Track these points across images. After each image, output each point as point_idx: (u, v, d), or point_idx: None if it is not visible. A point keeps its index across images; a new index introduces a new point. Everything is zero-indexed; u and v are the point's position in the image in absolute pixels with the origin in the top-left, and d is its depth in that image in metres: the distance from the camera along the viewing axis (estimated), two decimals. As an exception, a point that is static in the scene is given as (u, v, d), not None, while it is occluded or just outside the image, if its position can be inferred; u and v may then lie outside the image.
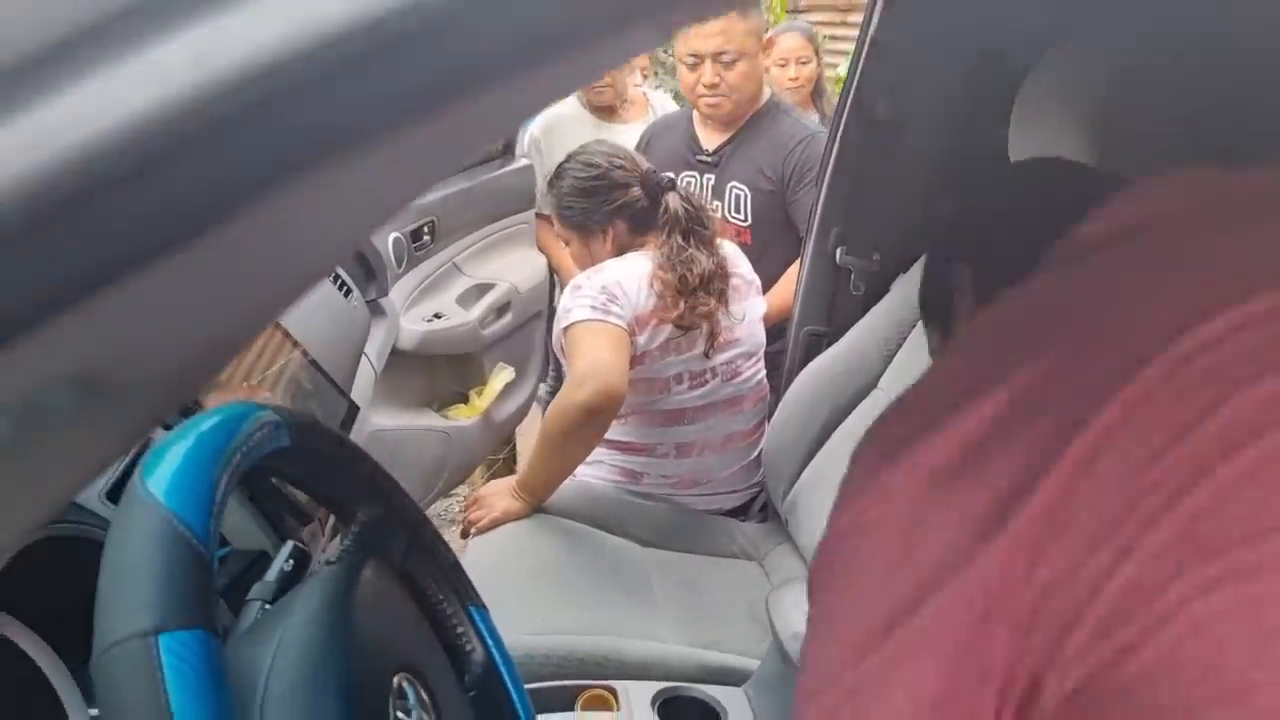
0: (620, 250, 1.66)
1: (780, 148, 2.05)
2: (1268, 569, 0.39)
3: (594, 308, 1.52)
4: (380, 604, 0.61)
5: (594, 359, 1.45)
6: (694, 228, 1.62)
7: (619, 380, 1.45)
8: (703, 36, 2.01)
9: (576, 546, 1.54)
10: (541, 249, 2.59)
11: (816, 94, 2.92)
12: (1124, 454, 0.43)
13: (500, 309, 2.28)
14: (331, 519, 1.00)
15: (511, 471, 3.20)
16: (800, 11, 4.84)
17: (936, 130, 1.55)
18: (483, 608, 0.74)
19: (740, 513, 1.75)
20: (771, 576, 1.59)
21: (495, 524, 1.54)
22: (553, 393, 3.01)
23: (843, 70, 3.82)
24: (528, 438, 3.26)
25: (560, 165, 1.70)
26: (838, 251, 1.66)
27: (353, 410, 1.25)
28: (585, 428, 1.45)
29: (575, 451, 1.50)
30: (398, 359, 1.93)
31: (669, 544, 1.62)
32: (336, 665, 0.52)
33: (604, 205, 1.65)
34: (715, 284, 1.60)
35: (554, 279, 2.66)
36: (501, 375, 2.28)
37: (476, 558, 1.49)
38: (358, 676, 0.52)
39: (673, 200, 1.63)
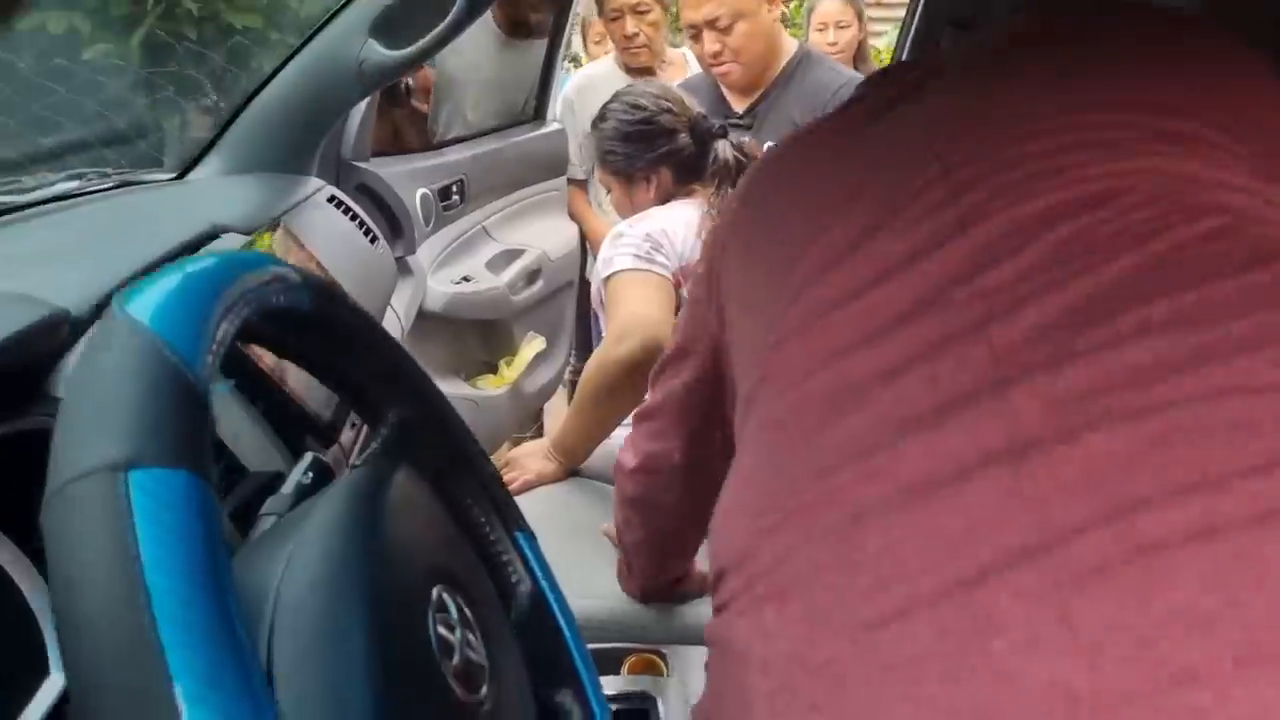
0: (664, 199, 1.57)
1: (817, 99, 1.94)
2: None
3: (637, 256, 1.43)
4: (415, 513, 0.51)
5: (636, 311, 1.36)
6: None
7: (663, 333, 1.35)
8: (692, 6, 1.91)
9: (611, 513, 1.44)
10: (573, 216, 2.50)
11: (859, 61, 2.82)
12: None
13: (530, 276, 2.18)
14: (357, 440, 0.91)
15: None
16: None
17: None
18: (531, 535, 0.64)
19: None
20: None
21: (528, 487, 1.45)
22: (577, 373, 2.92)
23: (887, 41, 3.71)
24: (555, 416, 3.17)
25: (605, 105, 1.62)
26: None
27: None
28: (626, 384, 1.35)
29: (615, 409, 1.41)
30: (424, 322, 1.84)
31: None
32: (362, 569, 0.42)
33: (648, 151, 1.56)
34: None
35: (585, 249, 2.57)
36: (533, 345, 2.19)
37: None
38: (389, 582, 0.43)
39: (723, 148, 1.54)
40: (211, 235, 0.89)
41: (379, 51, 1.32)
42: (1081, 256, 0.51)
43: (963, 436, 0.48)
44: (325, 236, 1.27)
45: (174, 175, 1.38)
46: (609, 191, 1.67)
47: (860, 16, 2.77)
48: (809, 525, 0.51)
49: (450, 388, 1.99)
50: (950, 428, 0.48)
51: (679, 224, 1.49)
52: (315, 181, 1.42)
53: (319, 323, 0.48)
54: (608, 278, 1.44)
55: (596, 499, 1.45)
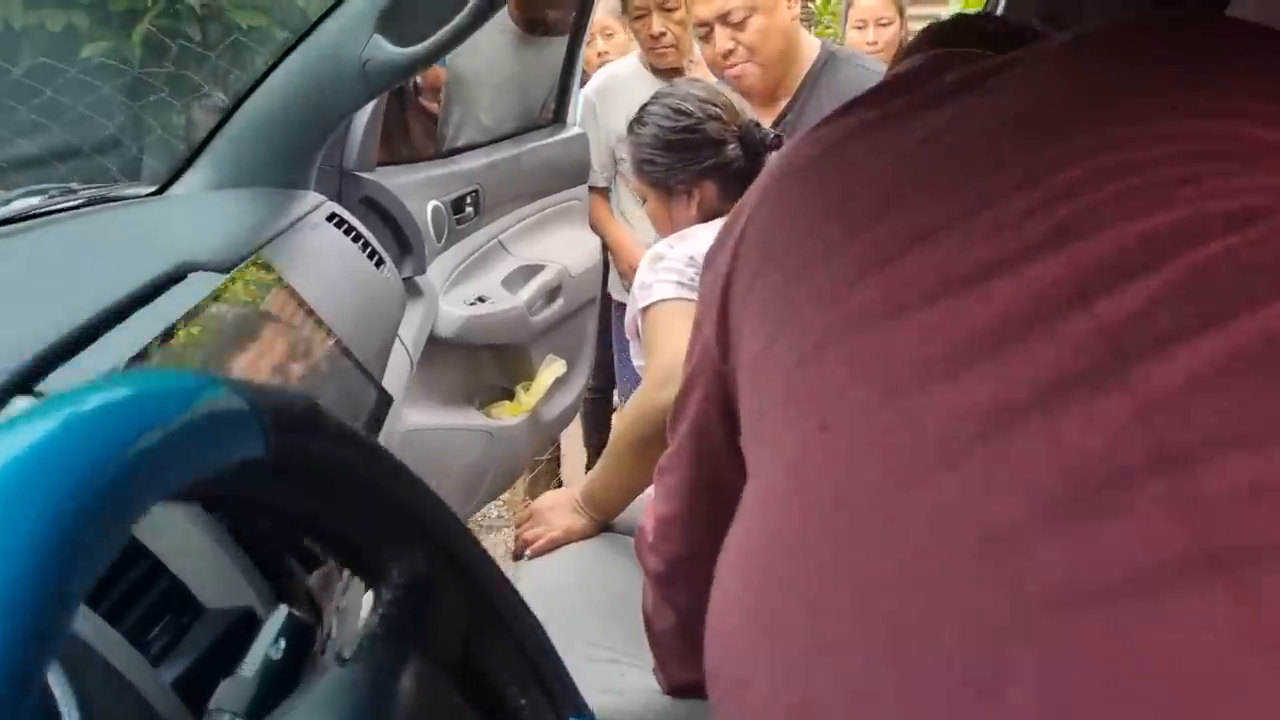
0: (708, 215, 1.40)
1: None
2: None
3: (681, 284, 1.25)
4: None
5: (680, 349, 1.18)
6: None
7: None
8: (704, 1, 1.71)
9: (651, 574, 1.27)
10: (595, 227, 2.33)
11: (899, 58, 2.63)
12: None
13: (550, 294, 2.01)
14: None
15: (555, 475, 2.94)
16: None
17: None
18: (589, 716, 0.47)
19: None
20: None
21: (555, 545, 1.27)
22: (594, 393, 2.75)
23: None
24: (573, 439, 3.00)
25: (644, 108, 1.44)
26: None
27: (384, 401, 0.99)
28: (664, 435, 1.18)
29: (652, 463, 1.23)
30: (435, 348, 1.67)
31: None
32: None
33: (692, 163, 1.38)
34: None
35: (608, 262, 2.39)
36: (552, 369, 2.02)
37: (533, 585, 1.23)
38: None
39: None
40: (176, 277, 0.71)
41: (386, 49, 1.15)
42: (1240, 285, 0.39)
43: (1134, 541, 0.33)
44: (323, 262, 1.10)
45: (153, 190, 1.21)
46: (644, 202, 1.50)
47: (902, 12, 2.59)
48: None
49: (462, 418, 1.82)
50: (1110, 528, 0.34)
51: None
52: (313, 197, 1.25)
53: (284, 469, 0.31)
54: (647, 307, 1.27)
55: (630, 559, 1.27)
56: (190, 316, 0.61)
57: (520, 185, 2.02)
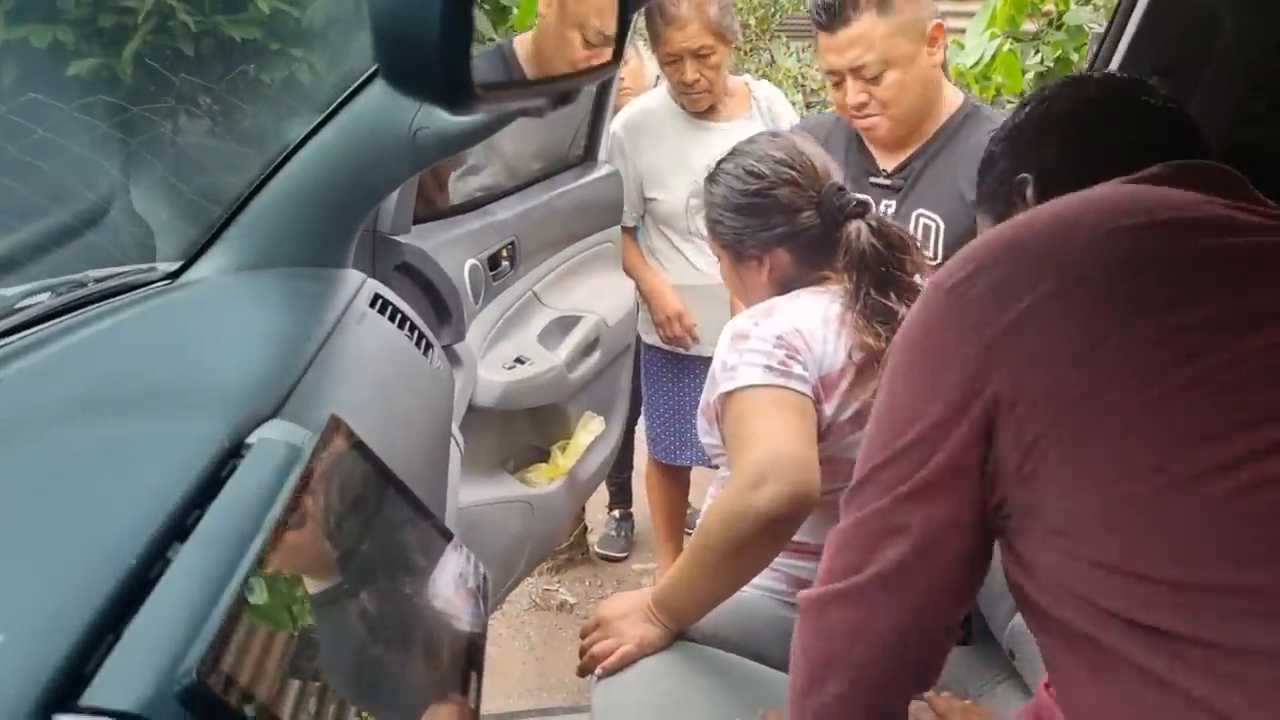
0: (784, 284, 1.27)
1: None
2: None
3: (770, 368, 1.13)
4: None
5: (779, 448, 1.06)
6: (886, 270, 1.21)
7: (812, 477, 1.05)
8: (835, 50, 1.57)
9: (735, 688, 1.14)
10: (628, 271, 2.20)
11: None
12: None
13: (588, 347, 1.88)
14: None
15: (582, 529, 2.80)
16: None
17: (1222, 126, 1.15)
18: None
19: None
20: (996, 728, 1.18)
21: (628, 660, 1.14)
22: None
23: (963, 60, 3.43)
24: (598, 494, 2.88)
25: (720, 164, 1.32)
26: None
27: (448, 539, 0.85)
28: (764, 541, 1.06)
29: (747, 569, 1.11)
30: (472, 416, 1.54)
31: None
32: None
33: (761, 229, 1.26)
34: None
35: (639, 306, 2.27)
36: (590, 427, 1.89)
37: (607, 706, 1.10)
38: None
39: (858, 233, 1.23)
40: (234, 450, 0.56)
41: (439, 118, 1.02)
42: None
43: None
44: (374, 366, 0.97)
45: (169, 274, 1.07)
46: (719, 261, 1.38)
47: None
48: None
49: (498, 488, 1.68)
50: None
51: (815, 321, 1.19)
52: (353, 277, 1.11)
53: None
54: (732, 393, 1.14)
55: (711, 675, 1.15)
56: (278, 539, 0.47)
57: (554, 231, 1.89)
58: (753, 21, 6.67)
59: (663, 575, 2.42)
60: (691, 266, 2.24)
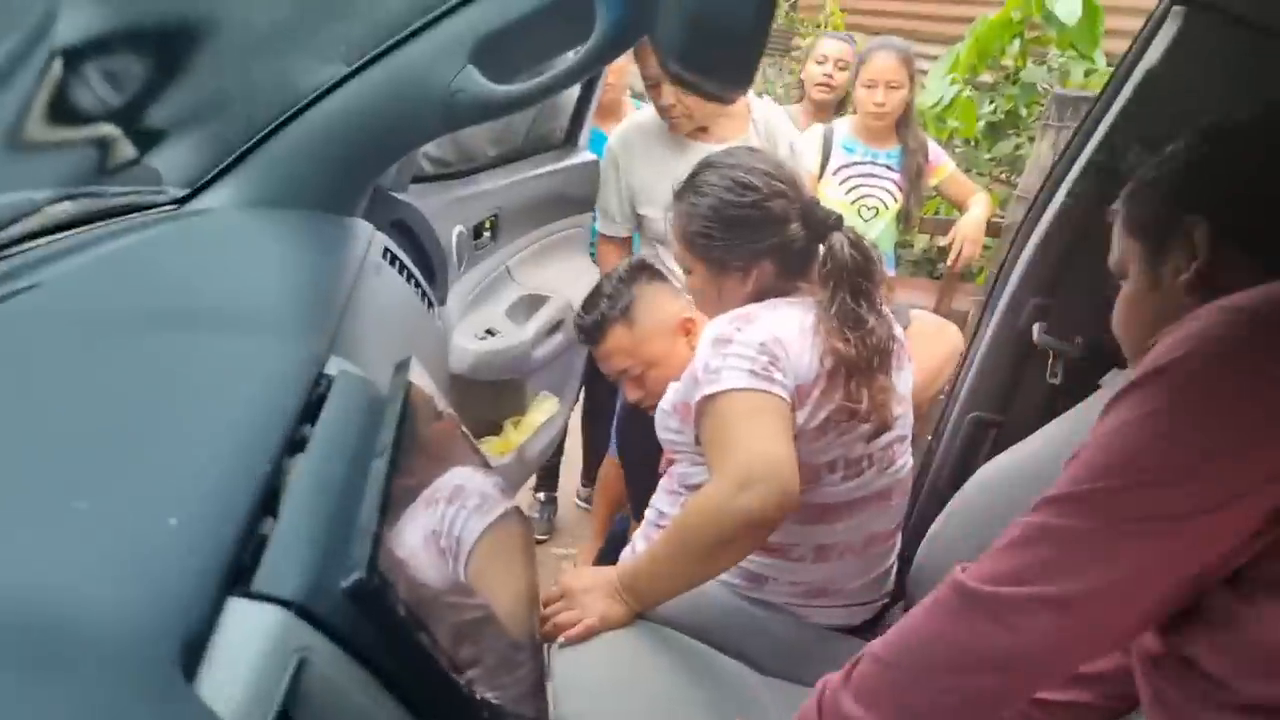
0: (759, 295, 1.31)
1: None
2: None
3: (754, 373, 1.17)
4: None
5: (763, 450, 1.10)
6: (861, 281, 1.28)
7: (795, 481, 1.10)
8: (601, 361, 1.71)
9: (690, 671, 1.19)
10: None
11: (904, 123, 2.63)
12: None
13: (553, 328, 1.90)
14: None
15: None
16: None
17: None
18: None
19: (866, 630, 1.41)
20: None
21: (591, 633, 1.17)
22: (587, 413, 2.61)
23: (924, 100, 3.56)
24: (573, 468, 2.88)
25: (701, 177, 1.33)
26: (1035, 328, 1.34)
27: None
28: (745, 539, 1.10)
29: (722, 566, 1.16)
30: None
31: (792, 673, 1.28)
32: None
33: (753, 241, 1.30)
34: (888, 358, 1.27)
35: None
36: (544, 407, 1.92)
37: (568, 679, 1.13)
38: None
39: (840, 244, 1.29)
40: (316, 385, 0.57)
41: (479, 82, 1.03)
42: None
43: None
44: (394, 319, 0.98)
45: (178, 198, 1.05)
46: (688, 273, 1.39)
47: (913, 79, 2.58)
48: None
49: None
50: None
51: (793, 330, 1.23)
52: (364, 227, 1.11)
53: None
54: (713, 395, 1.18)
55: (668, 655, 1.19)
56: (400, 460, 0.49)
57: (533, 210, 1.91)
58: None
59: (585, 561, 2.45)
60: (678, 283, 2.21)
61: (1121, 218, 0.94)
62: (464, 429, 0.71)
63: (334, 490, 0.45)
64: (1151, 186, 0.91)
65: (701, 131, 2.08)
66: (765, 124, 2.15)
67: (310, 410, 0.52)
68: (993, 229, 2.89)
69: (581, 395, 2.49)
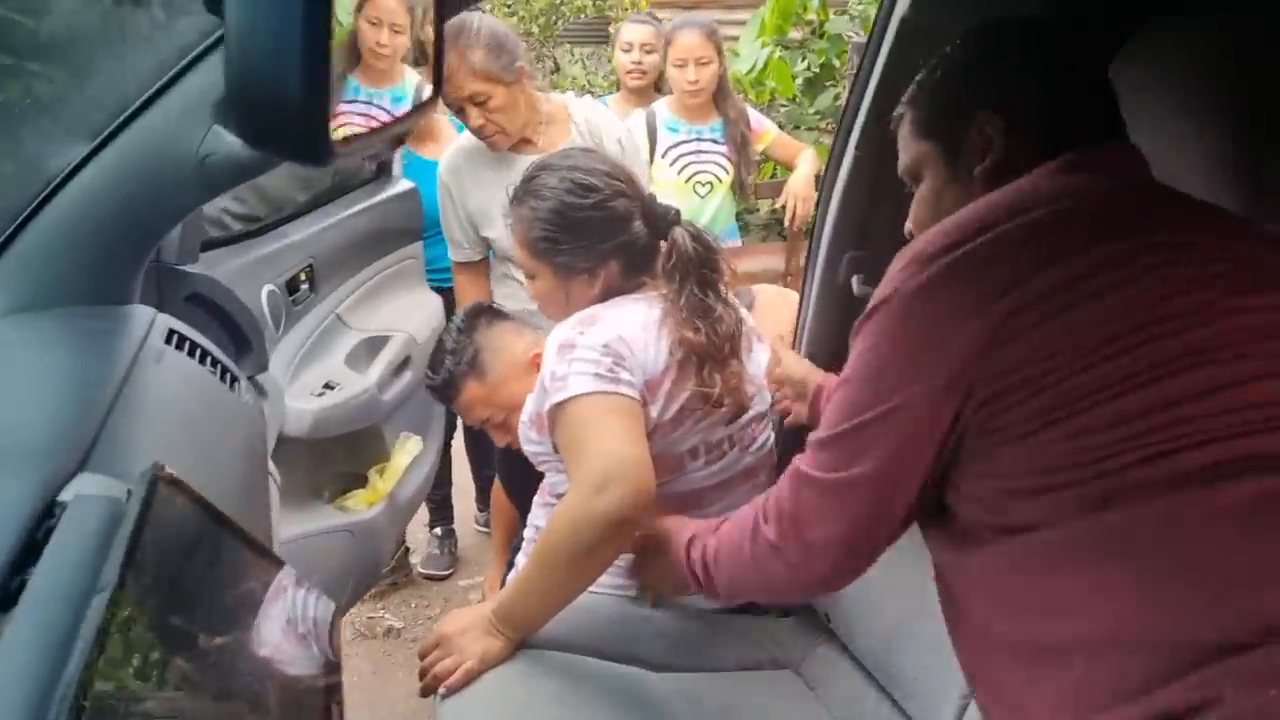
0: (607, 295, 1.30)
1: None
2: None
3: (599, 375, 1.15)
4: None
5: (615, 451, 1.09)
6: (706, 272, 1.28)
7: (650, 476, 1.09)
8: (461, 412, 1.69)
9: (583, 689, 1.17)
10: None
11: (720, 96, 2.66)
12: None
13: (399, 367, 1.84)
14: None
15: (404, 551, 2.72)
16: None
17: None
18: None
19: (753, 605, 1.42)
20: (818, 689, 1.28)
21: (471, 676, 1.14)
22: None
23: (739, 67, 3.61)
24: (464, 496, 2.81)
25: (537, 180, 1.30)
26: (853, 281, 1.37)
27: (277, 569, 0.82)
28: (606, 546, 1.09)
29: (593, 574, 1.13)
30: (282, 447, 1.47)
31: (687, 663, 1.27)
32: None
33: (600, 242, 1.28)
34: (738, 342, 1.28)
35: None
36: (407, 448, 1.85)
37: (454, 729, 1.09)
38: None
39: (682, 238, 1.28)
40: (46, 513, 0.52)
41: (227, 142, 0.97)
42: None
43: None
44: (178, 408, 0.91)
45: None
46: (531, 279, 1.36)
47: (720, 51, 2.61)
48: None
49: (316, 519, 1.62)
50: None
51: (636, 328, 1.22)
52: (143, 313, 1.04)
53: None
54: (562, 403, 1.16)
55: (558, 680, 1.17)
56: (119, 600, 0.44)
57: (352, 251, 1.84)
58: (535, 29, 6.71)
59: (493, 588, 2.41)
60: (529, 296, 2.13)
61: (909, 121, 0.96)
62: (238, 529, 0.66)
63: (50, 645, 0.41)
64: (940, 85, 0.94)
65: (526, 143, 1.99)
66: (588, 124, 2.09)
67: (30, 552, 0.47)
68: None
69: (460, 422, 2.43)
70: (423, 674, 1.18)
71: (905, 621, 1.15)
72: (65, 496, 0.54)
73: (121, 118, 1.00)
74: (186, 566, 0.56)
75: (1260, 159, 0.75)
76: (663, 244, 1.31)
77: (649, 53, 2.77)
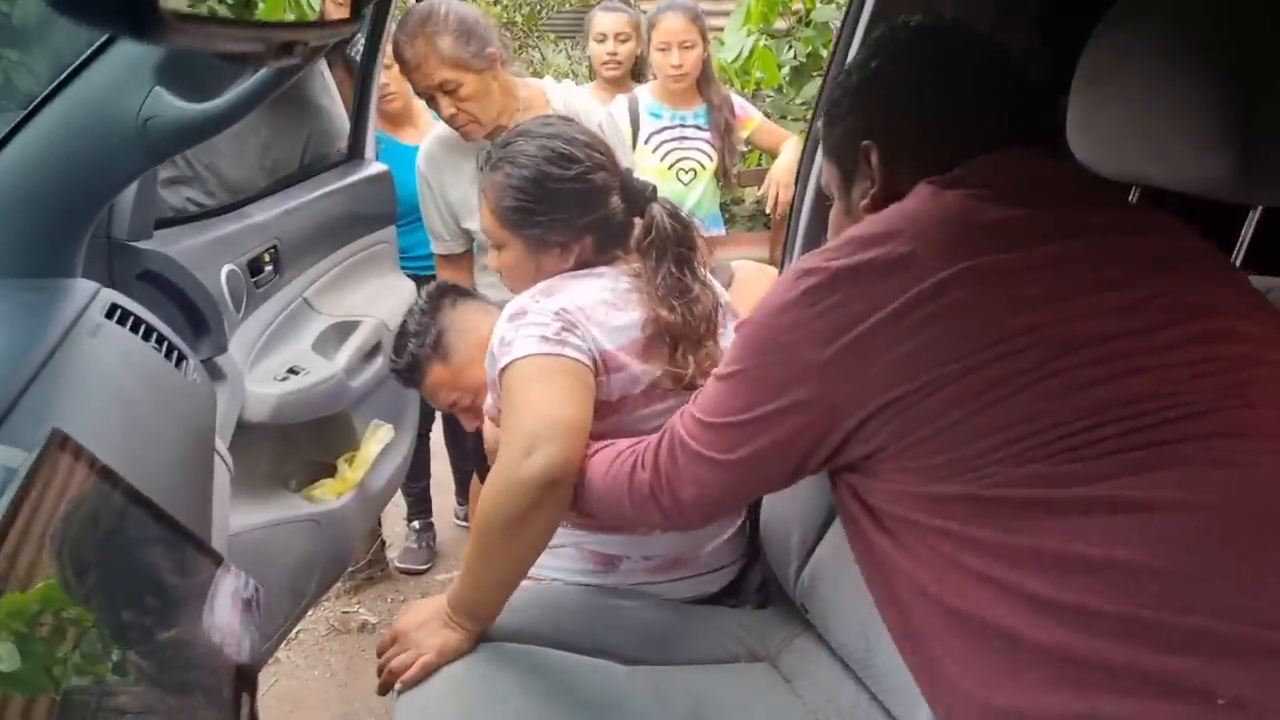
0: (577, 269, 1.26)
1: None
2: None
3: (545, 338, 1.11)
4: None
5: (545, 412, 1.05)
6: (683, 250, 1.24)
7: (579, 441, 1.05)
8: (427, 395, 1.63)
9: (547, 682, 1.12)
10: None
11: (704, 81, 2.61)
12: None
13: (369, 353, 1.79)
14: None
15: (380, 544, 2.68)
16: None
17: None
18: None
19: (726, 596, 1.38)
20: (794, 682, 1.23)
21: (429, 670, 1.09)
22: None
23: (724, 56, 3.56)
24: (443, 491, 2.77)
25: (514, 145, 1.24)
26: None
27: (218, 563, 0.78)
28: (538, 510, 1.03)
29: (528, 546, 1.07)
30: (244, 433, 1.42)
31: (658, 656, 1.23)
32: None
33: (579, 216, 1.23)
34: (714, 323, 1.23)
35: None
36: (378, 436, 1.80)
37: (411, 723, 1.05)
38: None
39: (659, 215, 1.24)
40: None
41: (172, 105, 0.93)
42: None
43: None
44: (112, 380, 0.87)
45: None
46: (498, 249, 1.30)
47: (704, 35, 2.56)
48: None
49: (279, 508, 1.57)
50: None
51: (595, 301, 1.18)
52: (84, 286, 0.99)
53: None
54: (506, 366, 1.11)
55: (520, 674, 1.12)
56: None
57: (322, 233, 1.79)
58: (519, 19, 6.65)
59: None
60: None
61: (821, 139, 0.97)
62: (146, 501, 0.61)
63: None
64: (835, 107, 0.93)
65: (502, 130, 1.94)
66: (567, 109, 2.01)
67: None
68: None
69: (439, 413, 2.38)
70: (380, 670, 1.13)
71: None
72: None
73: (58, 79, 0.95)
74: (81, 535, 0.51)
75: (1253, 111, 0.71)
76: (638, 220, 1.26)
77: (624, 41, 2.70)
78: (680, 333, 1.20)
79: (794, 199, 1.38)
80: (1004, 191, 0.79)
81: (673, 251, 1.22)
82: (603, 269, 1.26)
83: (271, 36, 0.48)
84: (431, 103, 1.87)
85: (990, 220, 0.77)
